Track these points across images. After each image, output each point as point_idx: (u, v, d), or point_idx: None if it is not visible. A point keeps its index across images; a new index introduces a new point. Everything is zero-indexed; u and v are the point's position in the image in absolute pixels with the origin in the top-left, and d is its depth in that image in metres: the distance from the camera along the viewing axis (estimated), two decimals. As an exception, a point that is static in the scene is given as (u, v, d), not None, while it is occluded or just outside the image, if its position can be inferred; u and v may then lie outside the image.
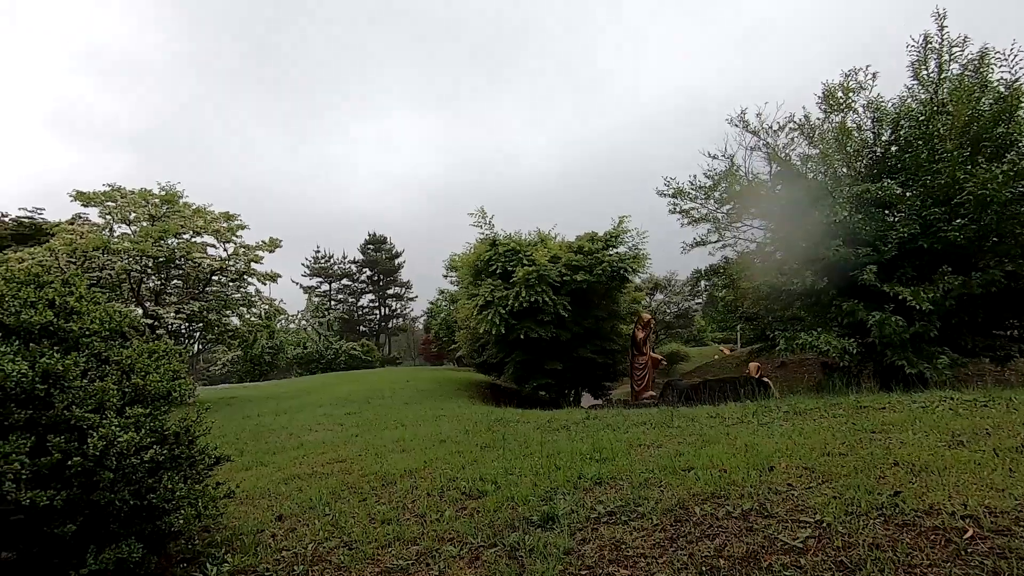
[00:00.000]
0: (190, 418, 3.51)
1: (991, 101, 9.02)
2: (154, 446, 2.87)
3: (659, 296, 38.74)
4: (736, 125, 11.93)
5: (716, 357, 37.49)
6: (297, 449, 7.54)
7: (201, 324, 16.74)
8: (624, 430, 6.24)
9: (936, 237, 8.21)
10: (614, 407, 15.31)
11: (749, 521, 3.11)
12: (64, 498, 2.46)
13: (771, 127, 11.79)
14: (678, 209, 12.25)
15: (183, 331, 17.09)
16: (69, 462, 2.50)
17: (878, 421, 4.95)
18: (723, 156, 11.68)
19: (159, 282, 15.60)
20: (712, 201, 12.06)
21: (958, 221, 7.86)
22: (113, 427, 2.66)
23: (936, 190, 8.76)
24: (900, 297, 7.75)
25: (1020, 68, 8.74)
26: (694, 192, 11.77)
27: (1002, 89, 9.36)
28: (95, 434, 2.58)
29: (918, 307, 7.55)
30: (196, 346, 18.87)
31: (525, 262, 14.08)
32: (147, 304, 14.63)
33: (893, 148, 10.55)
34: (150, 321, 14.34)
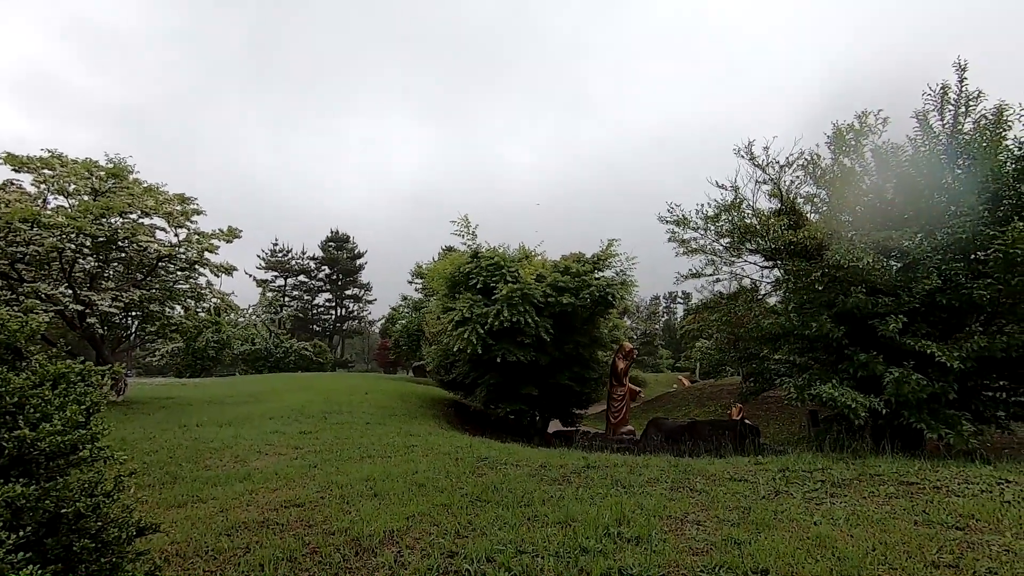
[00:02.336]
0: (106, 477, 2.44)
1: (1012, 159, 8.77)
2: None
3: (627, 321, 38.56)
4: (743, 156, 11.48)
5: (674, 386, 37.45)
6: (244, 481, 6.33)
7: (140, 315, 15.03)
8: (639, 490, 5.38)
9: (958, 294, 7.81)
10: (585, 437, 14.57)
11: None
12: None
13: (777, 162, 11.39)
14: (676, 238, 11.66)
15: (118, 321, 15.29)
16: None
17: (950, 510, 4.27)
18: (730, 186, 11.17)
19: (96, 264, 13.87)
20: (712, 232, 11.52)
21: (987, 281, 7.45)
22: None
23: (954, 245, 8.40)
24: (929, 352, 7.26)
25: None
26: (696, 222, 11.19)
27: (1015, 150, 9.15)
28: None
29: (948, 365, 7.07)
30: (132, 337, 16.98)
31: (509, 278, 13.17)
32: (79, 289, 12.92)
33: (898, 198, 10.25)
34: (80, 308, 12.67)
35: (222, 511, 5.20)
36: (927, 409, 7.54)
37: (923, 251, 8.25)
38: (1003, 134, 9.30)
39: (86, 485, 2.26)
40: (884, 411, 7.28)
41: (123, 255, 14.09)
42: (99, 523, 2.16)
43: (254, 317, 44.24)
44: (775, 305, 11.27)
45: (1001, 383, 8.63)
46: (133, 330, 16.71)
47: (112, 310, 13.02)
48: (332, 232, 66.58)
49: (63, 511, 2.05)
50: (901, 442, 8.05)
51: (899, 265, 9.33)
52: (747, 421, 12.73)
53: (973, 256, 8.40)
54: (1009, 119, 9.21)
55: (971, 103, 9.83)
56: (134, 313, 15.20)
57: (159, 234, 14.91)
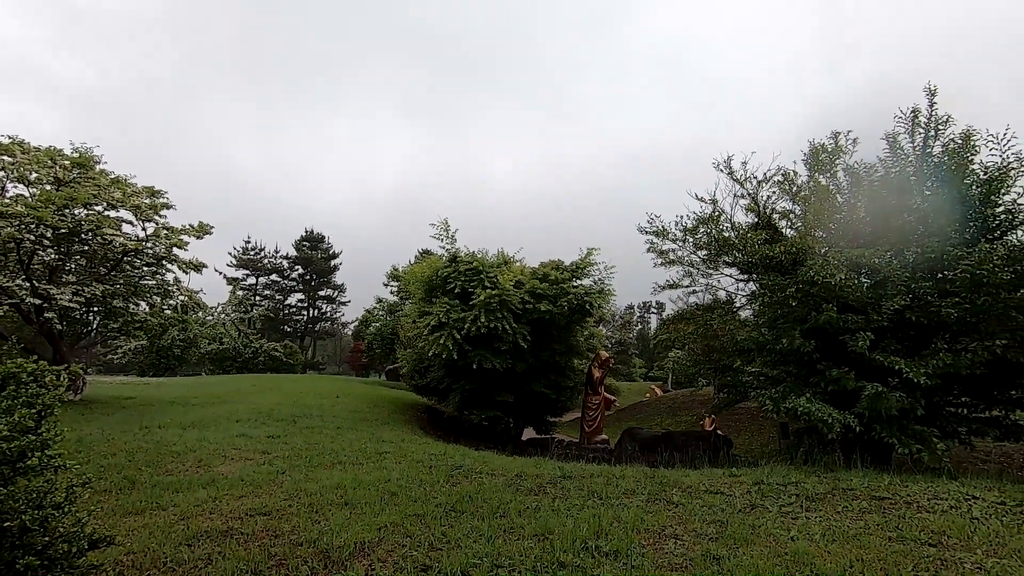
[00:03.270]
0: (57, 487, 2.26)
1: (978, 182, 9.06)
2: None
3: (603, 330, 38.74)
4: (722, 170, 11.64)
5: (647, 396, 37.74)
6: (207, 487, 6.07)
7: (103, 310, 14.44)
8: (616, 502, 5.32)
9: (926, 312, 8.00)
10: (560, 445, 14.50)
11: None
12: None
13: (755, 177, 11.57)
14: (655, 248, 11.73)
15: (78, 316, 14.64)
16: None
17: (922, 527, 4.32)
18: (709, 199, 11.30)
19: (57, 257, 13.27)
20: (690, 243, 11.63)
21: (954, 300, 7.66)
22: None
23: (923, 264, 8.62)
24: (897, 368, 7.42)
25: (1011, 152, 8.83)
26: (675, 233, 11.28)
27: (981, 174, 9.45)
28: None
29: (915, 381, 7.23)
30: (93, 333, 16.29)
31: (487, 284, 13.05)
32: (37, 282, 12.34)
33: (869, 217, 10.49)
34: (38, 302, 12.11)
35: (183, 519, 4.96)
36: (897, 424, 7.69)
37: (893, 269, 8.44)
38: (970, 158, 9.59)
39: (34, 496, 2.08)
40: (858, 427, 7.39)
41: (86, 248, 13.51)
42: (47, 538, 1.99)
43: (223, 316, 43.09)
44: (748, 319, 11.41)
45: (963, 399, 8.87)
46: (94, 326, 16.04)
47: (72, 305, 12.46)
48: (307, 231, 65.51)
49: (6, 525, 1.88)
50: (871, 456, 8.19)
51: (870, 282, 9.55)
52: (719, 432, 12.85)
53: (941, 275, 8.62)
54: (976, 144, 9.51)
55: (940, 127, 10.12)
56: (96, 308, 14.59)
57: (126, 227, 14.36)
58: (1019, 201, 9.07)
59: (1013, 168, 8.81)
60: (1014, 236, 8.95)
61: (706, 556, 3.76)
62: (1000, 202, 9.08)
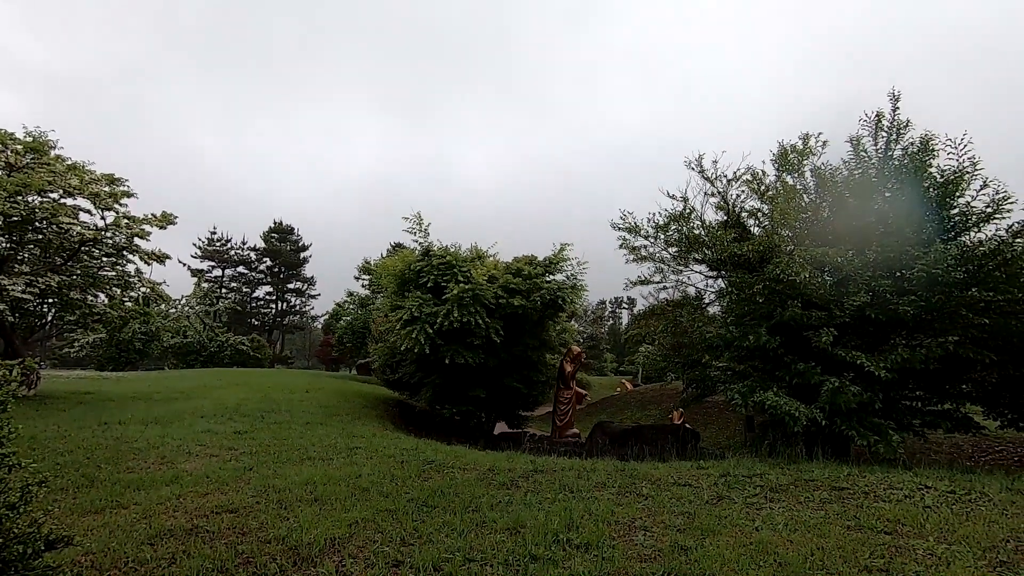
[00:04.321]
0: (11, 487, 2.16)
1: (935, 185, 9.43)
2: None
3: (574, 324, 39.05)
4: (693, 168, 11.83)
5: (618, 390, 38.25)
6: (171, 484, 5.91)
7: (58, 302, 13.86)
8: (588, 495, 5.38)
9: (885, 309, 8.31)
10: (531, 440, 14.59)
11: None
12: None
13: (725, 176, 11.80)
14: (628, 245, 11.86)
15: (32, 308, 14.03)
16: None
17: (879, 515, 4.50)
18: (680, 196, 11.48)
19: (9, 246, 12.67)
20: (661, 240, 11.80)
21: (911, 298, 7.97)
22: None
23: (883, 263, 8.94)
24: (859, 363, 7.69)
25: (966, 156, 9.21)
26: (647, 230, 11.43)
27: (938, 177, 9.83)
28: None
29: (876, 375, 7.51)
30: (48, 326, 15.66)
31: (460, 278, 13.01)
32: (-13, 271, 11.79)
33: (833, 217, 10.82)
34: (-12, 292, 11.56)
35: (145, 517, 4.82)
36: (856, 417, 7.97)
37: (854, 267, 8.73)
38: (928, 161, 9.98)
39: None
40: (823, 420, 7.65)
41: (40, 237, 12.95)
42: (0, 539, 1.91)
43: (187, 309, 41.87)
44: (717, 315, 11.65)
45: (918, 393, 9.25)
46: (49, 319, 15.41)
47: (26, 296, 11.92)
48: (275, 223, 64.17)
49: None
50: (831, 448, 8.49)
51: (833, 280, 9.86)
52: (688, 426, 13.11)
53: (899, 274, 8.95)
54: (935, 149, 9.89)
55: (902, 131, 10.49)
56: (51, 300, 14.00)
57: (84, 216, 13.81)
58: (972, 204, 9.50)
59: (967, 172, 9.19)
60: (967, 237, 9.34)
61: (674, 547, 3.85)
62: (955, 204, 9.48)
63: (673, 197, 11.56)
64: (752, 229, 11.80)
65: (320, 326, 62.41)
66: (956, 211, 9.38)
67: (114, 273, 14.82)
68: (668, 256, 12.08)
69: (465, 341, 12.79)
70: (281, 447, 8.00)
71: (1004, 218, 9.07)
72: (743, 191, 11.86)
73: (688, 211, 11.54)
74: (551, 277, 14.30)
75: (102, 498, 5.39)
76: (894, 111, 10.30)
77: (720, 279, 11.62)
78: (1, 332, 13.00)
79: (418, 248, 14.47)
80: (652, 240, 11.68)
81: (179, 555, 3.97)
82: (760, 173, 11.72)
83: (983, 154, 9.36)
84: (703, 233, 11.15)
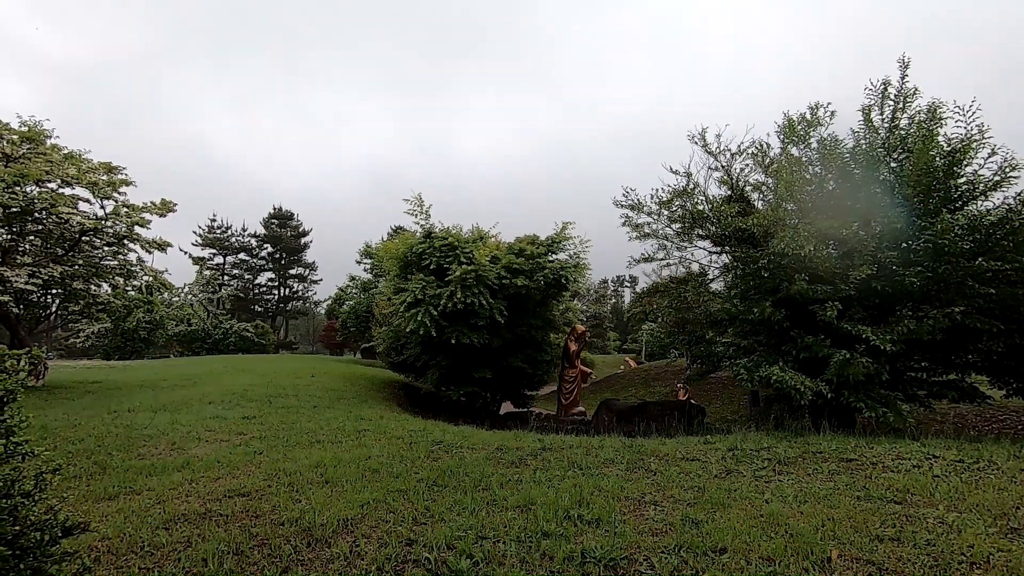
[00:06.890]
0: (25, 475, 2.16)
1: (942, 154, 9.28)
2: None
3: (578, 304, 39.04)
4: (696, 143, 11.66)
5: (622, 368, 38.41)
6: (182, 470, 5.96)
7: (62, 293, 13.87)
8: (596, 472, 5.41)
9: (891, 281, 8.25)
10: (538, 418, 14.68)
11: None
12: None
13: (728, 150, 11.64)
14: (631, 222, 11.76)
15: (36, 299, 14.06)
16: None
17: (888, 485, 4.52)
18: (683, 172, 11.34)
19: (9, 237, 12.64)
20: (664, 217, 11.69)
21: (917, 269, 7.91)
22: None
23: (889, 234, 8.86)
24: (864, 336, 7.67)
25: (974, 123, 9.04)
26: (650, 206, 11.33)
27: (945, 145, 9.67)
28: None
29: (881, 347, 7.49)
30: (53, 317, 15.70)
31: (463, 259, 12.96)
32: (-11, 263, 11.77)
33: (838, 189, 10.69)
34: (-9, 284, 11.57)
35: (159, 503, 4.86)
36: (863, 389, 7.97)
37: (860, 240, 8.66)
38: (935, 130, 9.81)
39: (1, 485, 1.99)
40: (829, 393, 7.65)
41: (40, 228, 12.91)
42: (17, 527, 1.91)
43: (190, 296, 41.97)
44: (721, 290, 11.59)
45: (924, 364, 9.24)
46: (54, 309, 15.45)
47: (29, 287, 11.94)
48: (275, 209, 64.05)
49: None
50: (837, 420, 8.51)
51: (838, 253, 9.78)
52: (693, 402, 13.16)
53: (905, 245, 8.87)
54: (943, 117, 9.71)
55: (908, 99, 10.30)
56: (55, 291, 14.03)
57: (83, 206, 13.75)
58: (979, 172, 9.36)
59: (975, 140, 9.03)
60: (974, 206, 9.23)
61: (685, 520, 3.87)
62: (962, 173, 9.34)
63: (676, 172, 11.42)
64: (756, 203, 11.68)
65: (323, 311, 62.60)
66: (963, 180, 9.24)
67: (116, 262, 14.80)
68: (671, 233, 11.98)
69: (469, 322, 12.78)
70: (290, 431, 8.06)
71: (1012, 186, 8.95)
72: (747, 164, 11.72)
73: (692, 186, 11.41)
74: (554, 256, 14.23)
75: (115, 484, 5.44)
76: (902, 79, 10.09)
77: (724, 255, 11.54)
78: (6, 323, 13.04)
79: (420, 230, 14.40)
80: (655, 217, 11.58)
81: (194, 538, 4.01)
82: (765, 146, 11.57)
83: (991, 121, 9.20)
84: (707, 208, 11.04)
